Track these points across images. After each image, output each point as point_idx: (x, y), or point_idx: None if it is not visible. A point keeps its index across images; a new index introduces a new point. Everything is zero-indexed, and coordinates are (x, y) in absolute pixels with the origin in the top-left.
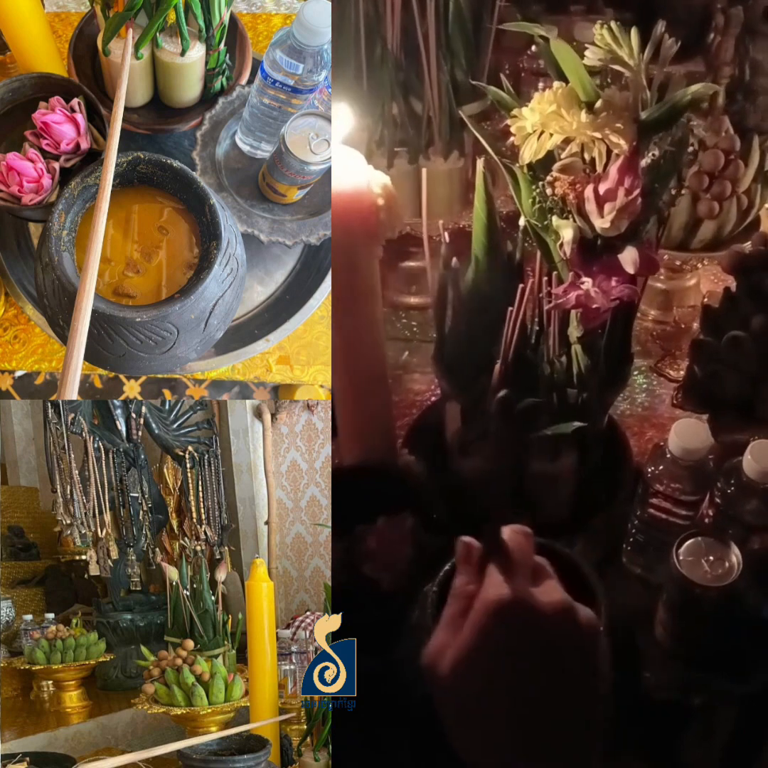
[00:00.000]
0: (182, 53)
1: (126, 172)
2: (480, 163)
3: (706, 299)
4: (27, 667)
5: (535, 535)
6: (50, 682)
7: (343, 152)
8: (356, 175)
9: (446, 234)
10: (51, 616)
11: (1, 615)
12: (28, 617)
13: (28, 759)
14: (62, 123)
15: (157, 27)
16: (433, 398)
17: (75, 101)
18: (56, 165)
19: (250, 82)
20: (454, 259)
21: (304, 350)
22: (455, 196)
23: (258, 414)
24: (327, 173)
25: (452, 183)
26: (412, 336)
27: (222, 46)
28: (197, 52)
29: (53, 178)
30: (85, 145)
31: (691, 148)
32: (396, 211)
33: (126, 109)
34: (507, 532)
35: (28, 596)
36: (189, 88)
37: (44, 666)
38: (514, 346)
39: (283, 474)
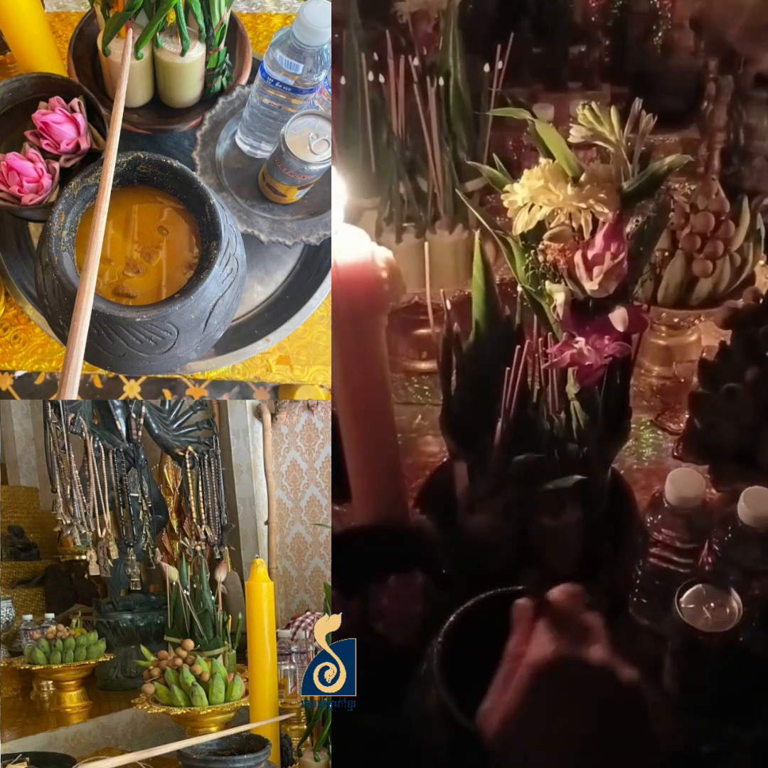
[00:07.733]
0: (182, 53)
1: (126, 172)
2: (477, 235)
3: (703, 354)
4: (27, 667)
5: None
6: (50, 682)
7: (348, 230)
8: (360, 250)
9: (448, 301)
10: (51, 616)
11: (1, 615)
12: (28, 617)
13: (28, 759)
14: (62, 123)
15: (157, 27)
16: (445, 459)
17: (75, 101)
18: (56, 165)
19: (250, 82)
20: (456, 325)
21: (304, 350)
22: (461, 266)
23: (258, 414)
24: (327, 173)
25: (458, 254)
26: (425, 400)
27: (222, 46)
28: (197, 52)
29: (53, 178)
30: (85, 145)
31: (672, 214)
32: (399, 282)
33: (126, 109)
34: (555, 591)
35: (28, 596)
36: (189, 88)
37: (44, 666)
38: (514, 404)
39: (283, 474)
